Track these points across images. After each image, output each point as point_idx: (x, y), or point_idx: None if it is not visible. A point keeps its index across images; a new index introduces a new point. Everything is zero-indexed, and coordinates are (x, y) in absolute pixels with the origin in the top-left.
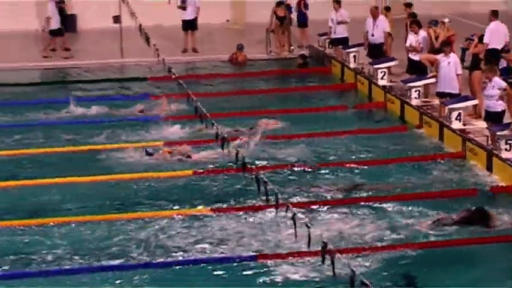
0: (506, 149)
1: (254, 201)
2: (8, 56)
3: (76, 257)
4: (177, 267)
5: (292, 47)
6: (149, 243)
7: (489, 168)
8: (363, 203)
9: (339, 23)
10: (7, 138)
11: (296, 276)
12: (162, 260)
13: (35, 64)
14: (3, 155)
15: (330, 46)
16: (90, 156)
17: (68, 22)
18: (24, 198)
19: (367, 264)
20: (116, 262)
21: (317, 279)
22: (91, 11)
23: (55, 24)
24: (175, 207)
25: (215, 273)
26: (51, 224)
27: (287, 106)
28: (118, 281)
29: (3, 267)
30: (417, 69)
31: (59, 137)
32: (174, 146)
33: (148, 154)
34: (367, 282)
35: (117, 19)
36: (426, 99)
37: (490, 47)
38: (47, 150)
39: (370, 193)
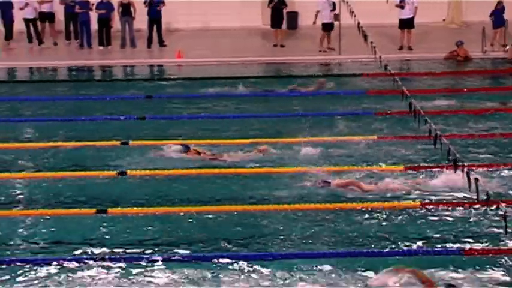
0: None
1: (464, 197)
2: (235, 51)
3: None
4: (386, 257)
5: (508, 47)
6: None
7: None
8: None
9: None
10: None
11: (503, 275)
12: (370, 250)
13: (249, 59)
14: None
15: None
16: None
17: (290, 19)
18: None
19: None
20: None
21: None
22: (311, 10)
23: (326, 18)
24: (387, 201)
25: (422, 265)
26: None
27: (498, 106)
28: (337, 265)
29: (203, 249)
30: None
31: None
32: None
33: (186, 151)
34: None
35: (336, 17)
36: None
37: None
38: (259, 140)
39: None
